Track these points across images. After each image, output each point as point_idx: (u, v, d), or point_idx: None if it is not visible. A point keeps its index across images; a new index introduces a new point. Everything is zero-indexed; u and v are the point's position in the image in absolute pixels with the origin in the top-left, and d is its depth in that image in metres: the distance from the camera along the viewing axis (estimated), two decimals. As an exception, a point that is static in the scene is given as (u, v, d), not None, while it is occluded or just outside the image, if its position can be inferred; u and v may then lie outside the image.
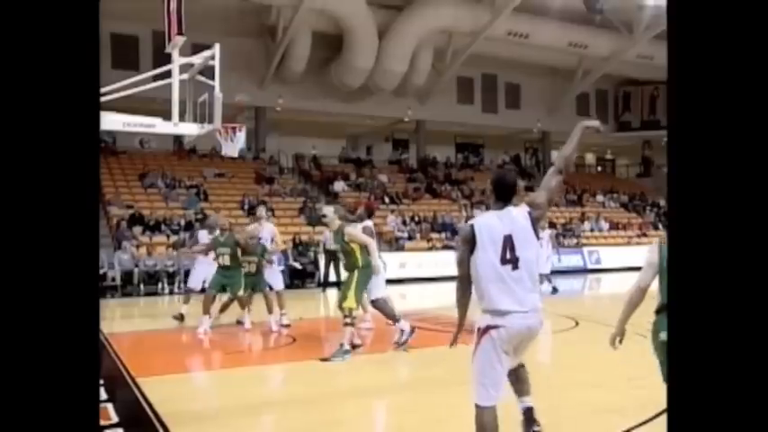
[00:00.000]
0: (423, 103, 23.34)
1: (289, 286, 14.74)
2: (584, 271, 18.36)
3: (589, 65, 24.01)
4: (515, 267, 2.82)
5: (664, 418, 2.15)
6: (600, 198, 25.15)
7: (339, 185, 20.79)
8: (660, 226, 23.38)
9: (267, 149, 22.12)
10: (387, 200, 20.58)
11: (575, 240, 20.60)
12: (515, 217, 2.93)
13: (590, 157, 32.65)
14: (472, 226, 2.93)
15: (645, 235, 22.31)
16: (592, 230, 21.91)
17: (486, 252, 2.85)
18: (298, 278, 15.20)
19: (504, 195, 3.00)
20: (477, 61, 22.67)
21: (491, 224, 2.92)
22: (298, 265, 15.23)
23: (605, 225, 22.40)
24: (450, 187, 22.78)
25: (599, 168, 32.45)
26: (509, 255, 2.83)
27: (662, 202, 25.52)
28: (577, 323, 8.45)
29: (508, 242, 2.83)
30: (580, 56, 23.31)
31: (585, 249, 19.94)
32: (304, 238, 16.51)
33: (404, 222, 19.25)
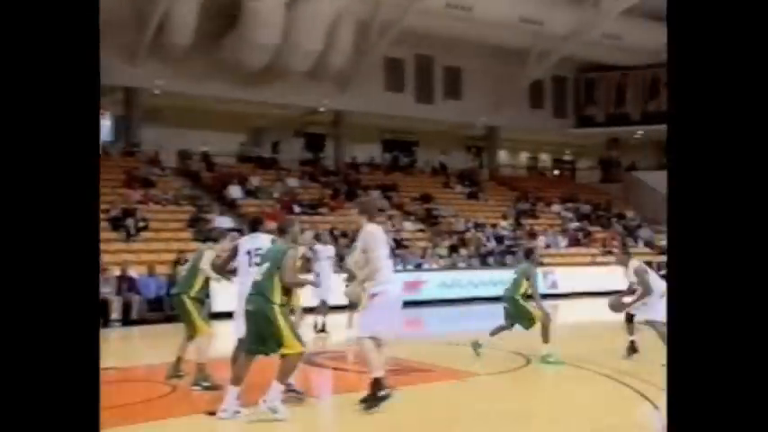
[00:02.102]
0: (342, 91, 23.45)
1: (169, 318, 14.38)
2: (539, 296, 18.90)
3: (545, 45, 24.91)
4: None
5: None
6: (556, 208, 26.12)
7: (236, 191, 20.48)
8: (633, 242, 24.49)
9: (143, 143, 21.48)
10: (297, 209, 20.46)
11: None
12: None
13: (545, 159, 33.89)
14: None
15: (610, 253, 23.29)
16: (547, 247, 22.68)
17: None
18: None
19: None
20: (410, 39, 23.07)
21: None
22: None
23: (563, 241, 23.26)
24: (376, 194, 22.96)
25: (555, 172, 33.72)
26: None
27: (630, 213, 26.83)
28: (529, 361, 8.70)
29: None
30: (534, 34, 24.13)
31: (539, 271, 20.54)
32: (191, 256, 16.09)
33: (317, 237, 19.18)
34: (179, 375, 7.46)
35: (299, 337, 5.67)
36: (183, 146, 22.17)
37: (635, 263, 8.53)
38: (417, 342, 10.71)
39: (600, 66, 28.23)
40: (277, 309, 5.59)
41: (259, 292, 5.70)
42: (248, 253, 6.53)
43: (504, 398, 6.88)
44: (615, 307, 8.66)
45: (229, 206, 19.96)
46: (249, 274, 6.17)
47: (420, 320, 15.51)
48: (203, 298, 7.42)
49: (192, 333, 7.31)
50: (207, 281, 7.32)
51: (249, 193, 20.76)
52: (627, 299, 8.56)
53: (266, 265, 5.80)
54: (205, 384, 6.99)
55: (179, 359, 7.50)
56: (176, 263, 15.43)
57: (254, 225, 6.92)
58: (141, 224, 17.19)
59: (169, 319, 14.32)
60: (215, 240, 7.58)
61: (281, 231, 6.08)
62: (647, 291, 8.12)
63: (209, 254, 7.29)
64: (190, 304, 7.23)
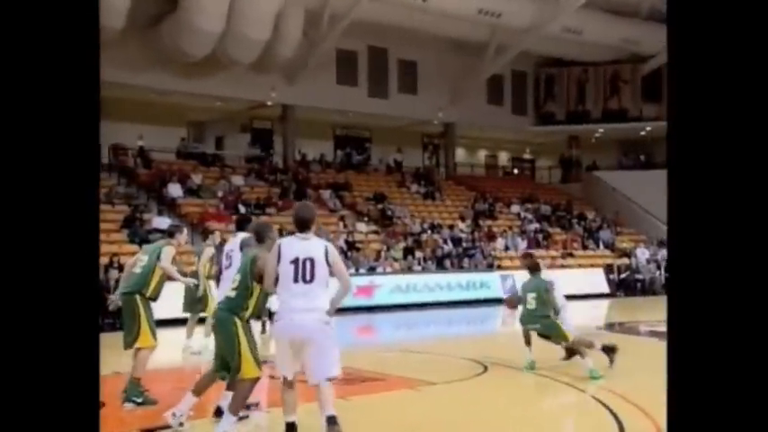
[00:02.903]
0: (291, 83, 23.37)
1: (104, 327, 14.09)
2: (497, 301, 19.20)
3: (504, 39, 25.26)
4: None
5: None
6: (516, 209, 26.50)
7: (176, 189, 20.21)
8: (593, 244, 25.01)
9: (72, 138, 20.99)
10: (243, 209, 20.29)
11: (484, 262, 21.49)
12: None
13: (504, 157, 34.34)
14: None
15: (571, 255, 23.78)
16: (506, 249, 22.98)
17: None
18: (112, 316, 14.46)
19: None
20: (363, 30, 23.13)
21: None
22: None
23: (522, 243, 23.60)
24: (327, 193, 22.94)
25: (515, 171, 34.21)
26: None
27: (591, 215, 27.38)
28: (486, 368, 8.82)
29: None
30: (492, 27, 24.49)
31: (497, 273, 20.88)
32: (126, 260, 15.82)
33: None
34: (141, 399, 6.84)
35: (258, 360, 5.38)
36: (116, 140, 21.72)
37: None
38: (369, 350, 10.74)
39: (560, 61, 28.74)
40: (240, 325, 5.33)
41: (228, 308, 5.43)
42: (228, 256, 6.49)
43: (461, 407, 6.96)
44: (512, 304, 9.17)
45: (168, 206, 19.69)
46: (225, 277, 6.10)
47: (372, 327, 15.57)
48: (154, 299, 6.97)
49: (132, 340, 6.77)
50: (162, 282, 6.95)
51: (190, 191, 20.51)
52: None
53: (238, 276, 5.48)
54: (138, 401, 6.66)
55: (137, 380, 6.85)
56: (108, 267, 15.15)
57: (241, 224, 7.06)
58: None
59: (99, 329, 14.08)
60: (171, 235, 7.25)
61: (259, 237, 5.62)
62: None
63: (168, 250, 6.99)
64: (142, 306, 6.80)
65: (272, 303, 6.07)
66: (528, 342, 8.59)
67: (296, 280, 4.86)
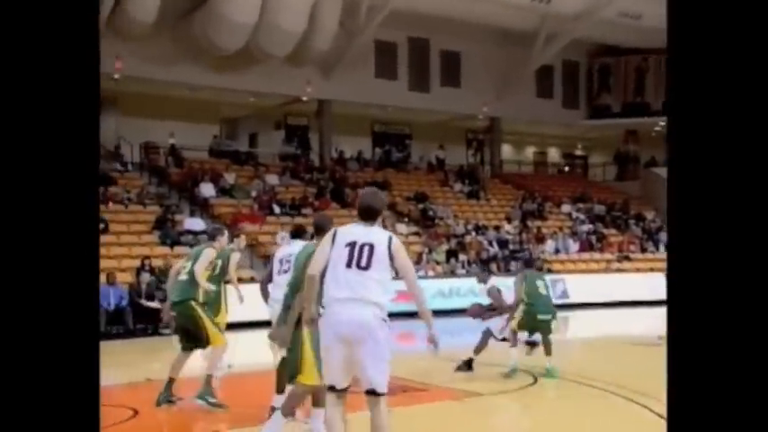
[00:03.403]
0: (327, 77, 23.39)
1: (131, 333, 14.30)
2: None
3: (554, 26, 24.90)
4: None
5: None
6: (566, 208, 26.16)
7: (208, 189, 20.38)
8: (653, 246, 24.51)
9: (102, 135, 21.29)
10: (277, 210, 20.38)
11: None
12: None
13: (553, 154, 33.95)
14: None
15: (628, 258, 23.36)
16: (556, 252, 22.69)
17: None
18: (146, 321, 14.71)
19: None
20: (403, 20, 23.04)
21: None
22: (154, 304, 14.75)
23: (574, 245, 23.28)
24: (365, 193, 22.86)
25: (566, 169, 33.81)
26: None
27: (650, 215, 26.87)
28: (536, 379, 8.64)
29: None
30: (542, 14, 24.15)
31: (547, 278, 20.53)
32: (158, 263, 16.01)
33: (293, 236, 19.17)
34: (171, 401, 7.18)
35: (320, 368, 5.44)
36: (147, 138, 22.04)
37: (492, 282, 9.57)
38: (411, 358, 10.61)
39: (616, 49, 28.26)
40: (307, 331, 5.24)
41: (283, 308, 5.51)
42: (280, 261, 6.71)
43: (510, 421, 6.79)
44: (475, 313, 9.46)
45: (201, 206, 19.87)
46: (278, 284, 6.29)
47: (414, 333, 15.41)
48: (207, 303, 7.29)
49: (203, 345, 7.20)
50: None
51: (223, 191, 20.68)
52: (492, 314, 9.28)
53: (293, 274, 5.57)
54: (212, 401, 6.90)
55: (171, 381, 7.20)
56: (140, 270, 15.32)
57: (297, 233, 7.35)
58: (100, 226, 17.04)
59: (131, 334, 14.26)
60: (212, 238, 7.47)
61: (319, 230, 5.63)
62: (506, 307, 9.06)
63: (208, 253, 7.18)
64: (201, 311, 7.10)
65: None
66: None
67: (349, 264, 4.34)
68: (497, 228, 22.93)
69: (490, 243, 21.79)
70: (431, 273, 19.39)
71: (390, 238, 4.46)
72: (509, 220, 23.91)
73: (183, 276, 7.16)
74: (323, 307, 4.41)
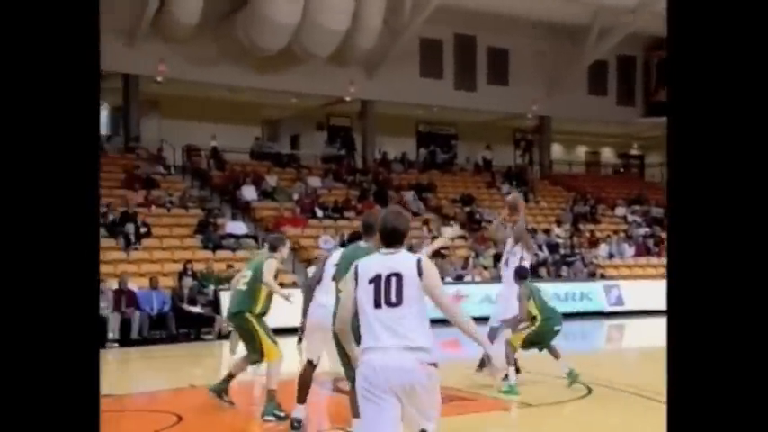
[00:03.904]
0: (371, 77, 23.51)
1: (173, 338, 14.57)
2: (600, 314, 18.74)
3: (608, 20, 24.56)
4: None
5: None
6: (621, 211, 25.85)
7: (250, 192, 20.63)
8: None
9: (143, 138, 21.76)
10: (320, 213, 20.53)
11: (584, 271, 21.04)
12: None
13: (607, 154, 33.54)
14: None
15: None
16: (610, 257, 22.44)
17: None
18: (189, 326, 14.96)
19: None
20: (449, 16, 23.04)
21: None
22: (196, 309, 15.02)
23: (629, 250, 23.00)
24: (410, 195, 22.94)
25: (621, 170, 33.38)
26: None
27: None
28: (590, 390, 8.59)
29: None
30: (595, 7, 23.83)
31: (601, 283, 20.40)
32: (200, 267, 16.29)
33: (343, 244, 19.26)
34: (223, 397, 7.41)
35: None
36: (189, 141, 22.41)
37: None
38: (458, 366, 10.63)
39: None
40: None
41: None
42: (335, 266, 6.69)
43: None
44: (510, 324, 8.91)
45: (242, 209, 20.12)
46: (327, 289, 6.31)
47: (460, 340, 15.39)
48: (264, 315, 7.36)
49: (257, 357, 7.31)
50: (270, 296, 7.29)
51: (265, 194, 20.91)
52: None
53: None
54: (279, 414, 6.98)
55: (230, 375, 7.48)
56: (182, 274, 15.60)
57: (354, 238, 7.33)
58: (142, 230, 17.39)
59: (173, 339, 14.54)
60: (273, 248, 7.48)
61: (368, 229, 5.61)
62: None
63: (271, 263, 7.25)
64: (256, 323, 7.21)
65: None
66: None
67: (377, 304, 3.78)
68: (547, 231, 22.76)
69: (540, 247, 21.61)
70: (477, 277, 19.34)
71: (419, 261, 3.89)
72: (559, 223, 23.71)
73: (242, 287, 7.27)
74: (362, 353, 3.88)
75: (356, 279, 3.89)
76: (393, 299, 3.76)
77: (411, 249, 5.12)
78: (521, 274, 8.71)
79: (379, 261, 3.91)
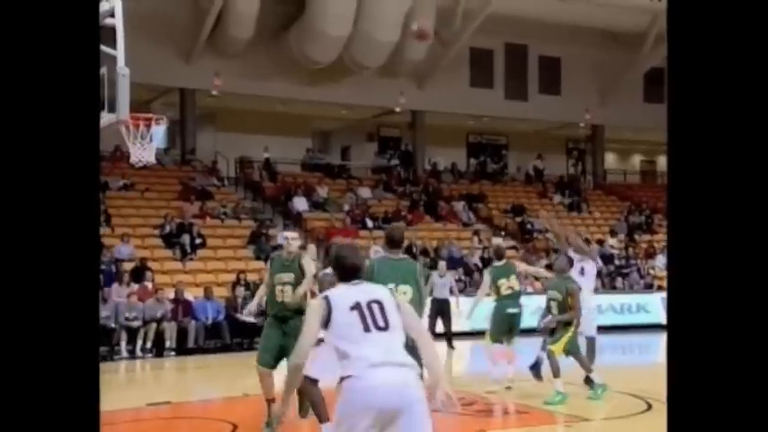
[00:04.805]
0: (421, 87, 23.55)
1: (227, 347, 14.73)
2: (657, 327, 18.36)
3: (664, 26, 24.02)
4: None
5: None
6: (677, 221, 25.33)
7: (302, 203, 20.80)
8: None
9: (198, 150, 22.14)
10: (370, 224, 20.59)
11: (641, 282, 20.68)
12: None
13: (664, 163, 32.94)
14: None
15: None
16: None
17: None
18: (242, 335, 15.11)
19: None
20: (500, 26, 22.95)
21: None
22: (250, 319, 15.14)
23: (685, 260, 22.52)
24: (460, 205, 22.86)
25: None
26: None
27: None
28: (650, 406, 8.41)
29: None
30: (652, 13, 23.25)
31: (658, 295, 20.01)
32: (253, 277, 16.45)
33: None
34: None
35: None
36: (242, 153, 22.73)
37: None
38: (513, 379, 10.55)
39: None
40: None
41: None
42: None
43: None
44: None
45: (294, 220, 20.29)
46: None
47: (512, 352, 15.25)
48: None
49: None
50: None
51: (316, 205, 21.07)
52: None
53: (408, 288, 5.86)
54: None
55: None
56: (236, 284, 15.78)
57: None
58: (197, 241, 17.67)
59: (228, 348, 14.70)
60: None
61: (390, 242, 6.10)
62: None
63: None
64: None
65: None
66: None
67: (367, 328, 3.69)
68: (601, 242, 22.42)
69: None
70: (530, 289, 19.14)
71: (390, 290, 4.12)
72: (614, 233, 23.36)
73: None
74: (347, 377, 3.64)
75: (329, 309, 3.75)
76: (381, 323, 3.71)
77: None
78: (560, 266, 8.78)
79: (352, 290, 3.85)
